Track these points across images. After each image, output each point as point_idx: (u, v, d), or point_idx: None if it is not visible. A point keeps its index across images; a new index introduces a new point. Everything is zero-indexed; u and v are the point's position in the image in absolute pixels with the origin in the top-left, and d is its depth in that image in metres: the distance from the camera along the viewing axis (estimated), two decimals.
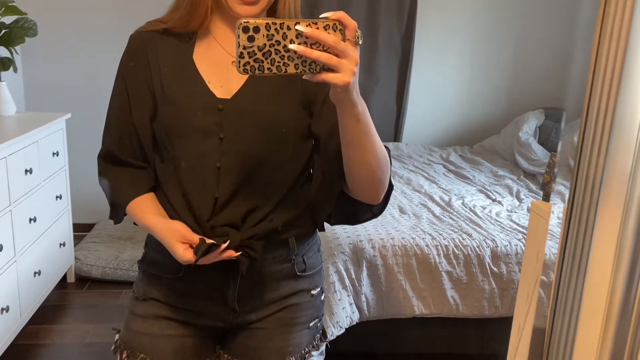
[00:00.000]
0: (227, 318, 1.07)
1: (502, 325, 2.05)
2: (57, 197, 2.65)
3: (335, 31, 0.76)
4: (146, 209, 1.02)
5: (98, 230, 3.27)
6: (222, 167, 0.98)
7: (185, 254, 0.94)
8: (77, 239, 3.03)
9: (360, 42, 0.77)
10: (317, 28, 0.75)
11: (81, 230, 3.24)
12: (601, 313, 0.71)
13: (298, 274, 1.08)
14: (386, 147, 0.95)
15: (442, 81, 3.67)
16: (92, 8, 3.20)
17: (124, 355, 1.08)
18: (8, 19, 2.64)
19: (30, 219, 2.32)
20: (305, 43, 0.75)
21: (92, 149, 1.25)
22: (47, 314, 2.56)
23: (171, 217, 1.02)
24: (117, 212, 1.08)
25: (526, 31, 3.62)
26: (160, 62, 1.01)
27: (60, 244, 2.70)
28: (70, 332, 2.48)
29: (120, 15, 3.17)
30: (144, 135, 1.03)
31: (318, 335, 1.14)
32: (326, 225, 1.09)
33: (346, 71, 0.76)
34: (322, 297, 1.14)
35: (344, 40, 0.76)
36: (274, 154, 1.00)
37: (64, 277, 2.86)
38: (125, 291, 2.83)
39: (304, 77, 0.77)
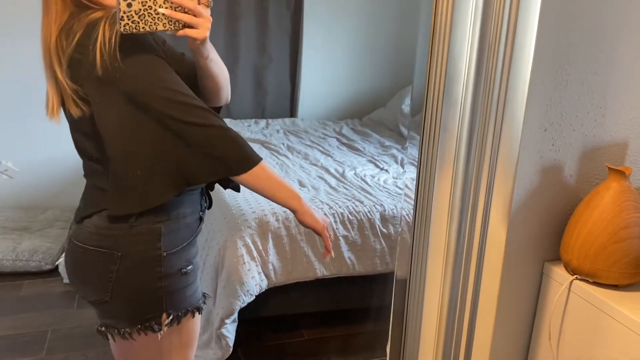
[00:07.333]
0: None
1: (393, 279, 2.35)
2: None
3: None
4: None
5: None
6: None
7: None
8: None
9: (210, 5, 1.03)
10: None
11: None
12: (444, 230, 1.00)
13: None
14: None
15: (332, 58, 3.88)
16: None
17: (195, 314, 1.24)
18: None
19: None
20: (171, 7, 0.99)
21: None
22: None
23: None
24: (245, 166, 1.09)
25: (408, 11, 3.92)
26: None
27: None
28: None
29: None
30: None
31: None
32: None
33: (203, 28, 1.02)
34: None
35: (199, 3, 1.01)
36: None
37: None
38: (27, 282, 2.79)
39: (168, 32, 1.01)
